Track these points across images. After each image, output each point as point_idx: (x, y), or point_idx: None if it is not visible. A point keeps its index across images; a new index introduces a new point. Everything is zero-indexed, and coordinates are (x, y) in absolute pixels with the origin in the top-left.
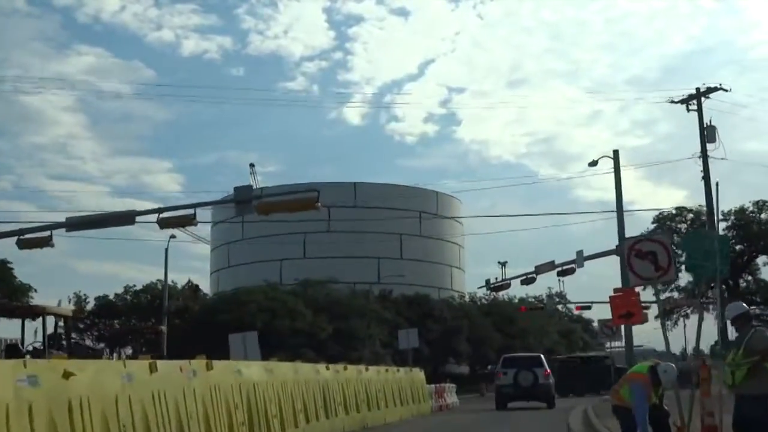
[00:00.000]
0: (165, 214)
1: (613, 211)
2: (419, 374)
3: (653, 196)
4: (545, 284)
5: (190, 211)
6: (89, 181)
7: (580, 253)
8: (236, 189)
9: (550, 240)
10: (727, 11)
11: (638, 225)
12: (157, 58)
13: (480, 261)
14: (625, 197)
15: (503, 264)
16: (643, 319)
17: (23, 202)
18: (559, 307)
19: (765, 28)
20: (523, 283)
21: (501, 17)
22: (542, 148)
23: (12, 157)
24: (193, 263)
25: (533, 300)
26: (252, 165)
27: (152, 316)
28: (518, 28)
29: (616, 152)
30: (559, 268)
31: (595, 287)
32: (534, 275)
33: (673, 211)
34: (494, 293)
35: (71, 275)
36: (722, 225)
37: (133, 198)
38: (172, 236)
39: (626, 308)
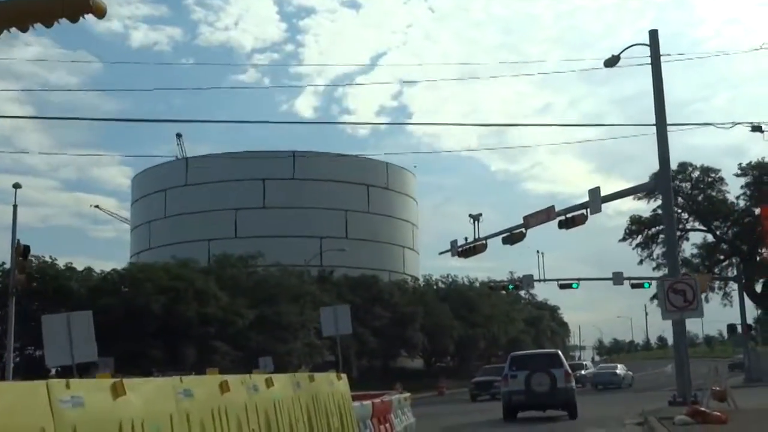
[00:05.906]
0: None
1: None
2: (338, 386)
3: (604, 189)
4: (507, 267)
5: None
6: (35, 175)
7: (595, 191)
8: None
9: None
10: (676, 5)
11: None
12: (105, 49)
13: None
14: (576, 190)
15: (476, 218)
16: None
17: None
18: (522, 292)
19: (713, 23)
20: (505, 241)
21: (452, 11)
22: (493, 141)
23: None
24: None
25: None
26: (179, 135)
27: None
28: (470, 23)
29: (654, 33)
30: (562, 217)
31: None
32: (522, 230)
33: (675, 169)
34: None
35: None
36: (741, 181)
37: (82, 192)
38: (17, 185)
39: None
